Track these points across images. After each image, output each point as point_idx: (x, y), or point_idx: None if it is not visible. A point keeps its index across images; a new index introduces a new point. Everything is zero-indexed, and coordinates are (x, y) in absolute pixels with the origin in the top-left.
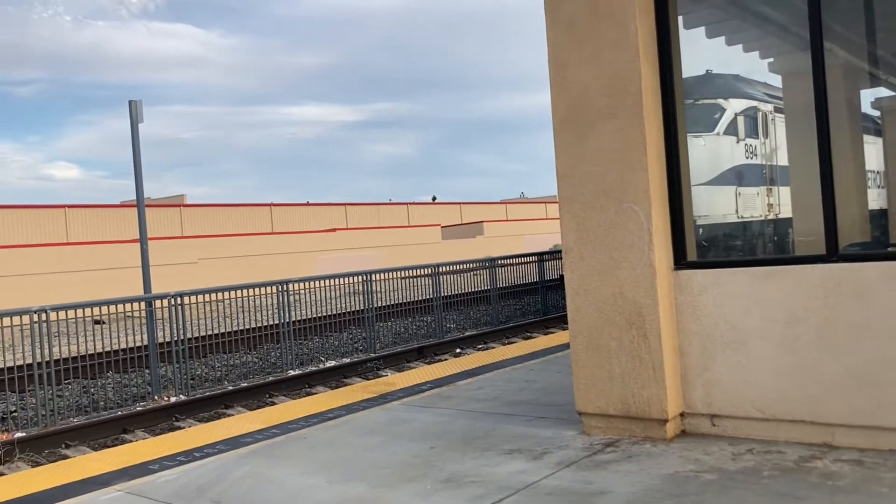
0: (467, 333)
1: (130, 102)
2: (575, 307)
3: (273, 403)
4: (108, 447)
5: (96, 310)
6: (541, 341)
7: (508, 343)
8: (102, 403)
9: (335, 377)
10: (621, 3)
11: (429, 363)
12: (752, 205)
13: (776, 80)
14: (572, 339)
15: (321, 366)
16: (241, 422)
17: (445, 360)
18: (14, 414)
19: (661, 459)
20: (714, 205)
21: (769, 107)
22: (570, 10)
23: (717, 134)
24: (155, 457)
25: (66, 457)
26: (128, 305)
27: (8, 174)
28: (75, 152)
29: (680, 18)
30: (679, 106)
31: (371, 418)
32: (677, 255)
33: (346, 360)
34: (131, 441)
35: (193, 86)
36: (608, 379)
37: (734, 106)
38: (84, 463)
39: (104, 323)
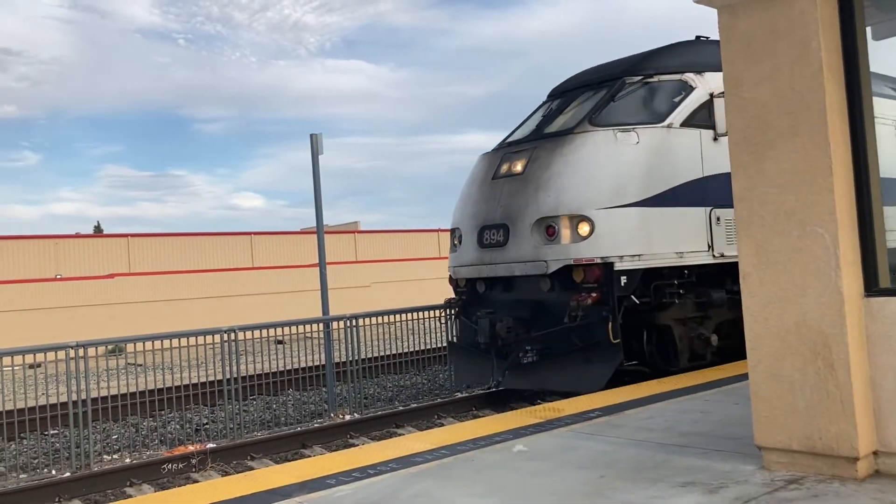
0: (636, 361)
1: (312, 135)
2: (753, 335)
3: (441, 424)
4: (289, 461)
5: (278, 330)
6: (716, 371)
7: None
8: (283, 419)
9: (501, 401)
10: (802, 19)
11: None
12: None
13: None
14: (751, 369)
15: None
16: (412, 441)
17: (613, 388)
18: (206, 426)
19: (851, 500)
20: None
21: None
22: (745, 28)
23: (669, 126)
24: (332, 472)
25: (251, 468)
26: (307, 326)
27: (201, 204)
28: (259, 183)
29: (868, 30)
30: (868, 122)
31: (538, 443)
32: (868, 281)
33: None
34: (309, 456)
35: (364, 118)
36: (791, 412)
37: (710, 84)
38: (268, 475)
39: (285, 343)
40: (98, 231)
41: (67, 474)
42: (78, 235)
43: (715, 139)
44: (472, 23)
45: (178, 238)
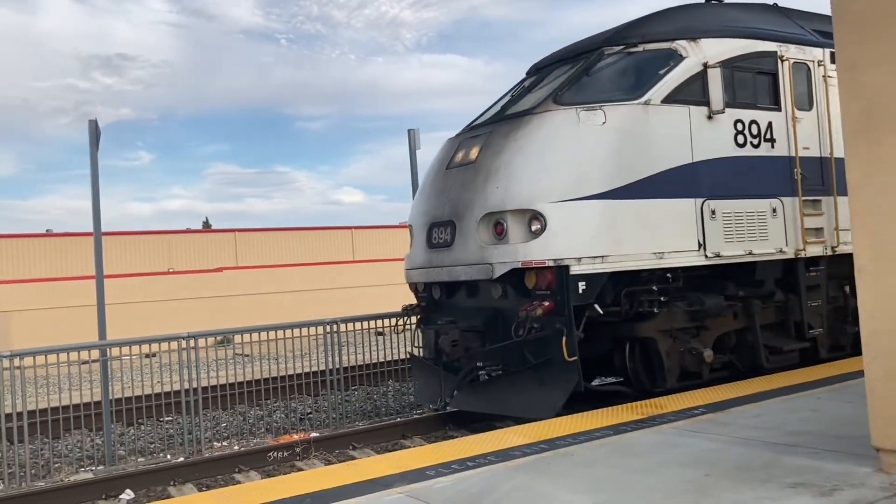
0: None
1: (409, 131)
2: (869, 332)
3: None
4: (389, 451)
5: (379, 321)
6: (827, 368)
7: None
8: (384, 410)
9: (601, 398)
10: None
11: (700, 387)
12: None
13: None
14: (866, 366)
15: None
16: (510, 435)
17: (719, 384)
18: (310, 415)
19: None
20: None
21: (820, 53)
22: (859, 9)
23: (646, 103)
24: (431, 463)
25: (352, 457)
26: (406, 318)
27: (304, 200)
28: (359, 178)
29: None
30: None
31: (639, 440)
32: None
33: (611, 379)
34: (409, 447)
35: (460, 112)
36: None
37: (706, 52)
38: (369, 464)
39: (385, 334)
40: (207, 227)
41: (181, 459)
42: (188, 231)
43: (710, 117)
44: (568, 13)
45: (283, 233)
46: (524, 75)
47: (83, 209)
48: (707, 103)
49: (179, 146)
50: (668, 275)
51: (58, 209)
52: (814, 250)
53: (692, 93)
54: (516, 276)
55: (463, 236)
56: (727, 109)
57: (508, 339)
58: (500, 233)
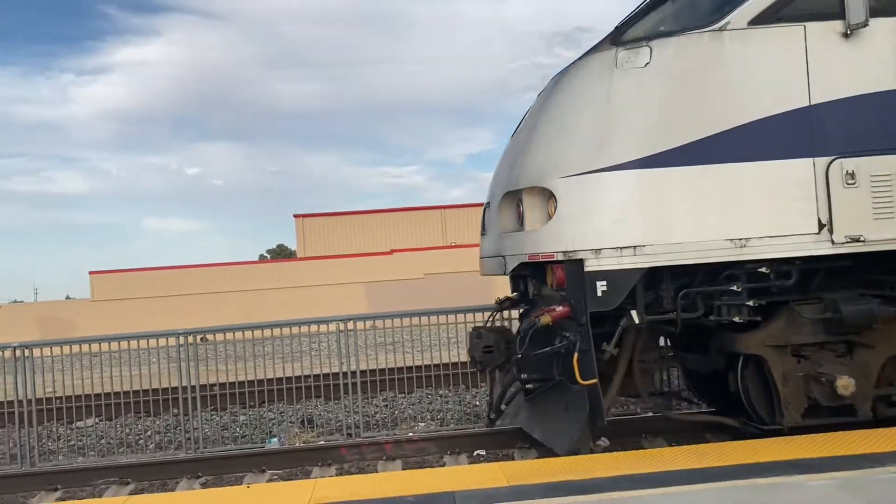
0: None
1: None
2: None
3: None
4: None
5: None
6: None
7: None
8: None
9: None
10: None
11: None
12: None
13: None
14: None
15: None
16: None
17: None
18: None
19: None
20: None
21: None
22: None
23: (720, 29)
24: None
25: None
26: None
27: None
28: None
29: None
30: None
31: None
32: None
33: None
34: None
35: None
36: None
37: None
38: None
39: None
40: None
41: None
42: None
43: (846, 35)
44: None
45: None
46: None
47: None
48: (841, 14)
49: None
50: (764, 268)
51: None
52: None
53: (811, 2)
54: (542, 272)
55: (491, 221)
56: (883, 20)
57: (539, 347)
58: (519, 217)
